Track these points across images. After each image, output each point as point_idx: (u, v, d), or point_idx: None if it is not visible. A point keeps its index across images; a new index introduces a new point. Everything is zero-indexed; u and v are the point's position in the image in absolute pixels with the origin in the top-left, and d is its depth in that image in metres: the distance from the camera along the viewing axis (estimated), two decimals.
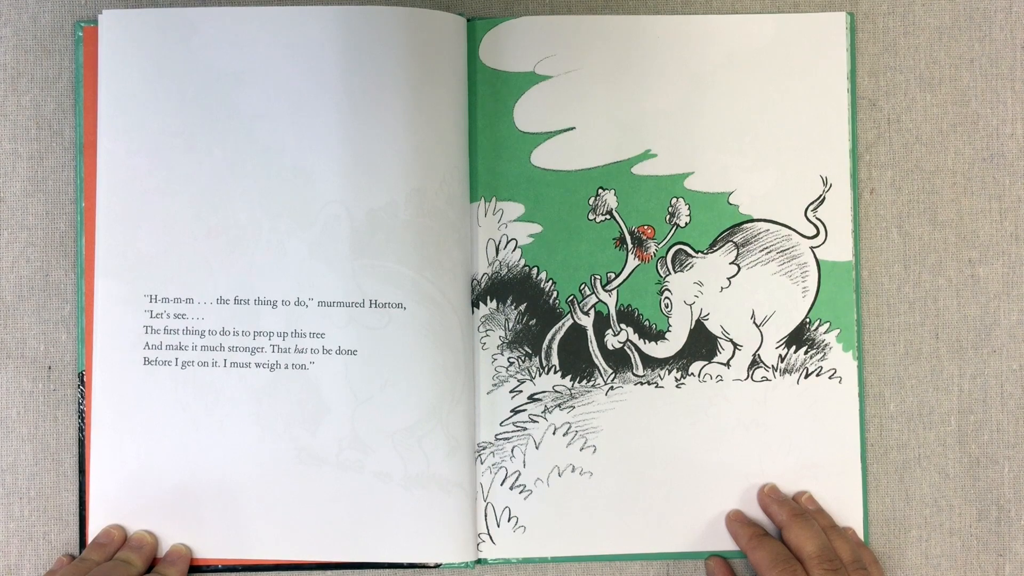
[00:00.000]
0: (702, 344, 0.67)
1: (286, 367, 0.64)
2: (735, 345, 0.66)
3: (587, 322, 0.66)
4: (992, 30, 0.68)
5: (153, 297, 0.65)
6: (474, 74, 0.66)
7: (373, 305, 0.64)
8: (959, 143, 0.68)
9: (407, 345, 0.64)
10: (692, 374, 0.66)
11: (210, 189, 0.65)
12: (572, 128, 0.66)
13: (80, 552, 0.65)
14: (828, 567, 0.60)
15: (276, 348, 0.64)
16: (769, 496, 0.65)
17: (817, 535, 0.62)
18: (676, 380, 0.66)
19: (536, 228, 0.66)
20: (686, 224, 0.67)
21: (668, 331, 0.66)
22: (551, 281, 0.66)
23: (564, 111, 0.66)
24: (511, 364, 0.66)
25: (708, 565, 0.66)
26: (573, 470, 0.66)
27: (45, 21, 0.67)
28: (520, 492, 0.65)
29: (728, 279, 0.66)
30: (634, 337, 0.66)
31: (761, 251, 0.67)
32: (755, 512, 0.66)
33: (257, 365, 0.64)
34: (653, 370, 0.66)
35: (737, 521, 0.65)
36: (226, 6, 0.66)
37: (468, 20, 0.66)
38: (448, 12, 0.65)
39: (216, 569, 0.65)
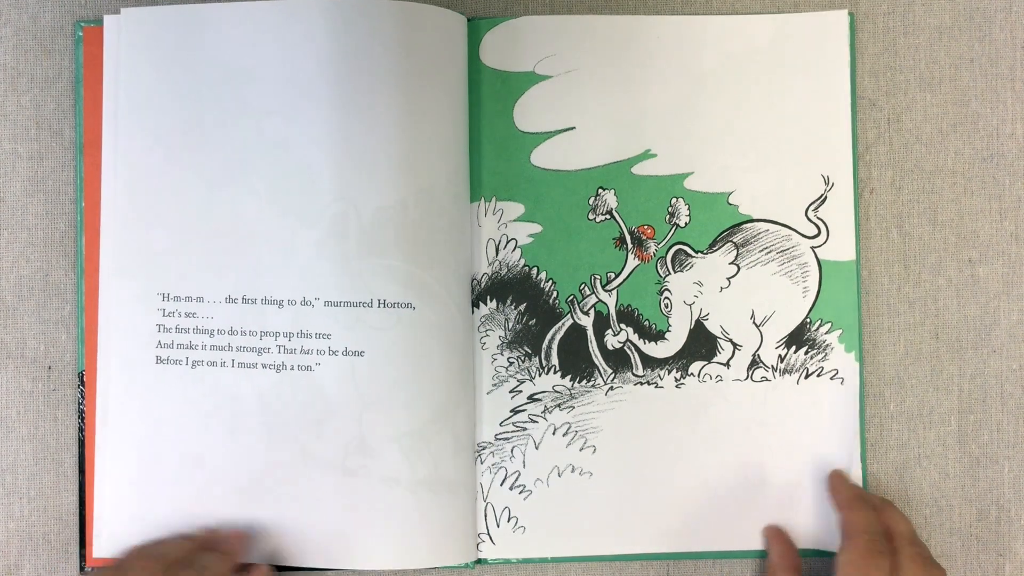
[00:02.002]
0: (702, 344, 0.67)
1: (291, 368, 0.64)
2: (735, 345, 0.66)
3: (587, 322, 0.66)
4: (992, 30, 0.68)
5: (166, 296, 0.64)
6: (474, 74, 0.66)
7: (381, 305, 0.64)
8: (959, 143, 0.68)
9: (415, 346, 0.64)
10: (692, 374, 0.66)
11: (219, 186, 0.64)
12: (572, 128, 0.66)
13: (80, 552, 0.65)
14: (921, 551, 0.60)
15: (282, 349, 0.64)
16: (847, 480, 0.65)
17: (909, 522, 0.62)
18: (676, 380, 0.66)
19: (536, 228, 0.66)
20: (686, 224, 0.67)
21: (668, 331, 0.66)
22: (551, 281, 0.66)
23: (564, 111, 0.66)
24: (511, 364, 0.66)
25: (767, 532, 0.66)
26: (573, 470, 0.66)
27: (45, 21, 0.67)
28: (520, 492, 0.65)
29: (728, 279, 0.66)
30: (634, 337, 0.66)
31: (761, 251, 0.67)
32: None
33: (264, 366, 0.64)
34: (653, 370, 0.66)
35: (839, 476, 0.65)
36: (237, 1, 0.65)
37: (468, 20, 0.66)
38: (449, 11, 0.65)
39: None
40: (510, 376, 0.66)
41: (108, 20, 0.65)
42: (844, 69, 0.67)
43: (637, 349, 0.66)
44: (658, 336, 0.66)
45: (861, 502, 0.63)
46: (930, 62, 0.68)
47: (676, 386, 0.66)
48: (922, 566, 0.59)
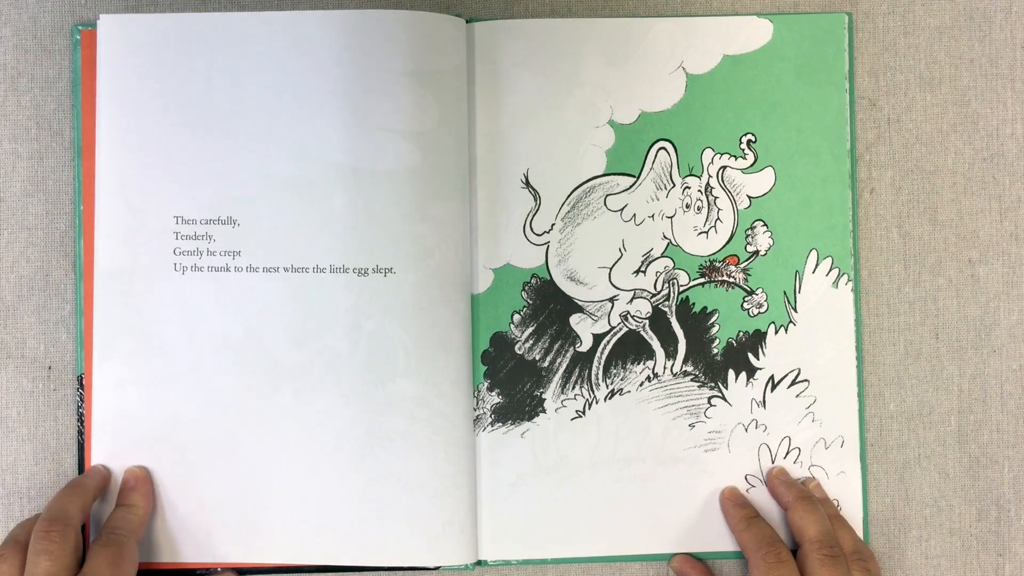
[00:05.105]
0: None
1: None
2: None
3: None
4: (992, 30, 0.68)
5: None
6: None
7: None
8: (959, 143, 0.68)
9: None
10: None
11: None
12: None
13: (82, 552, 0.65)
14: (828, 552, 0.60)
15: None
16: (777, 478, 0.65)
17: (821, 520, 0.62)
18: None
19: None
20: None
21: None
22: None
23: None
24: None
25: (674, 566, 0.66)
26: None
27: (45, 21, 0.67)
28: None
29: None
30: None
31: None
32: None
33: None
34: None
35: (730, 500, 0.65)
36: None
37: (467, 21, 0.66)
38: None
39: (214, 571, 0.65)
40: None
41: (99, 25, 0.65)
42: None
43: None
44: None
45: (811, 504, 0.63)
46: (930, 62, 0.68)
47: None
48: None
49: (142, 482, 0.63)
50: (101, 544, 0.59)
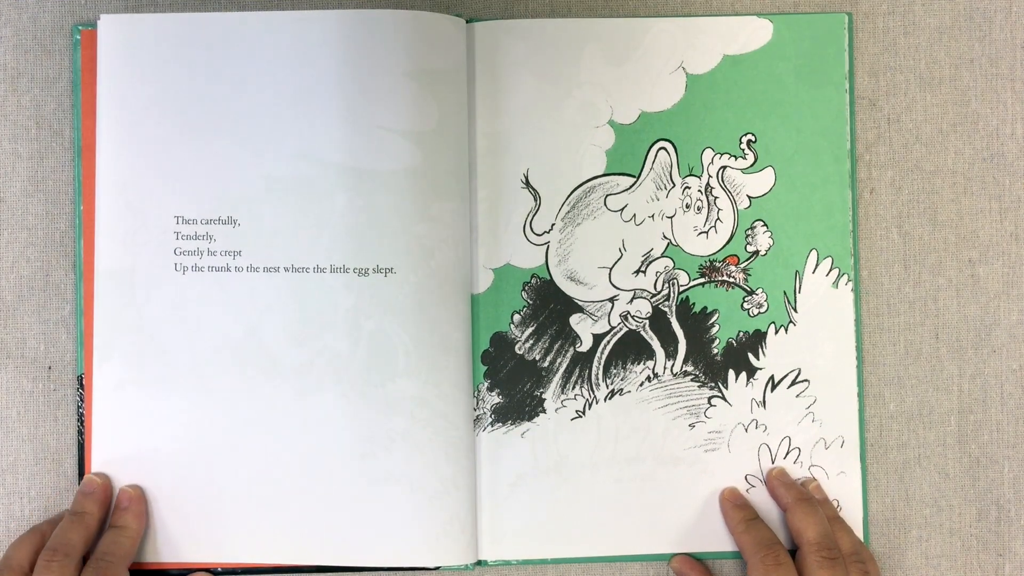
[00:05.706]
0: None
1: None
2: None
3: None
4: (992, 30, 0.68)
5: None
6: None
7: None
8: (959, 143, 0.68)
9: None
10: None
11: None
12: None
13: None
14: (827, 555, 0.60)
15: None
16: (777, 479, 0.65)
17: (820, 522, 0.62)
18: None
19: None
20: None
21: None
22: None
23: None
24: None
25: (674, 566, 0.66)
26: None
27: (45, 22, 0.67)
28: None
29: None
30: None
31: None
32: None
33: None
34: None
35: (729, 501, 0.65)
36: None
37: (468, 21, 0.66)
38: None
39: (213, 572, 0.65)
40: None
41: (100, 26, 0.65)
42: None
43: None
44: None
45: (810, 506, 0.63)
46: (930, 62, 0.68)
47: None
48: None
49: (135, 502, 0.63)
50: (92, 571, 0.59)
